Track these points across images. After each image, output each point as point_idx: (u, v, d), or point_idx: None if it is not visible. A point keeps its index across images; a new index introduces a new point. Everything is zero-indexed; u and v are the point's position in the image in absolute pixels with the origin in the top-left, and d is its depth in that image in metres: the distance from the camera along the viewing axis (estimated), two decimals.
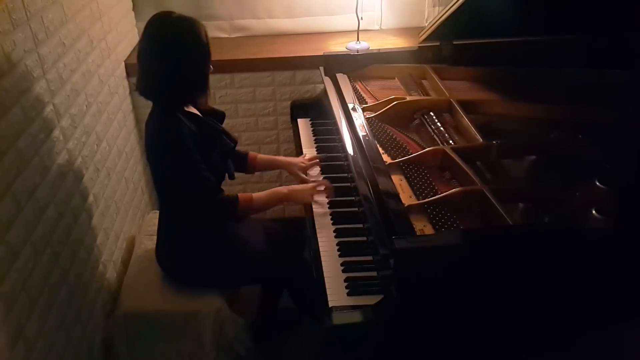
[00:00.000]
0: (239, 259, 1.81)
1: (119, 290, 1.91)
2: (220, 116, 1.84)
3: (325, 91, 2.10)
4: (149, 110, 1.68)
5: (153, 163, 1.68)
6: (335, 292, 1.38)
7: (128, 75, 2.31)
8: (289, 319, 2.22)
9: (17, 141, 1.35)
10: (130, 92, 2.34)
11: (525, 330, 1.35)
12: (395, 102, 1.85)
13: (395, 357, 1.33)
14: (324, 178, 1.89)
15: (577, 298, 1.31)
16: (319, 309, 1.37)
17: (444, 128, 1.75)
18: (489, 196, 1.36)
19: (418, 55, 2.15)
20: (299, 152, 2.10)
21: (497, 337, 1.35)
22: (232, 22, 2.60)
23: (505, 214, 1.29)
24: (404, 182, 1.52)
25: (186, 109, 1.66)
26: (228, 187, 1.79)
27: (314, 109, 2.29)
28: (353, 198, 1.73)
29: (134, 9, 2.47)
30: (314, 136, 2.18)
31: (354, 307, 1.31)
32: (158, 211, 1.88)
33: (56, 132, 1.57)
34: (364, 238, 1.57)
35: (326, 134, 2.15)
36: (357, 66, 2.16)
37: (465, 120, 1.72)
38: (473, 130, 1.67)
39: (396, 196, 1.41)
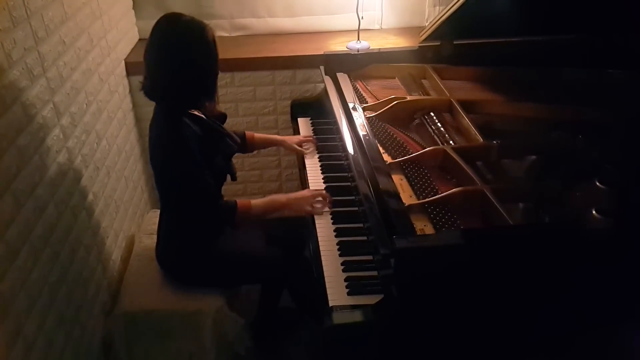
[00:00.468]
0: (239, 259, 1.81)
1: (118, 289, 1.90)
2: (222, 118, 1.84)
3: (325, 90, 2.09)
4: (148, 108, 1.68)
5: (155, 164, 1.67)
6: (336, 292, 1.38)
7: (128, 73, 2.30)
8: (289, 318, 2.22)
9: (17, 139, 1.35)
10: (130, 91, 2.34)
11: (525, 330, 1.35)
12: (395, 102, 1.85)
13: (395, 357, 1.33)
14: (325, 177, 1.90)
15: (577, 298, 1.31)
16: (319, 309, 1.37)
17: (444, 128, 1.75)
18: (490, 196, 1.36)
19: (418, 54, 2.15)
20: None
21: (497, 337, 1.35)
22: (233, 21, 2.60)
23: (505, 214, 1.29)
24: (405, 182, 1.52)
25: (191, 112, 1.66)
26: (228, 185, 1.79)
27: (314, 108, 2.28)
28: (353, 197, 1.73)
29: (134, 8, 2.47)
30: (314, 135, 2.18)
31: (354, 307, 1.31)
32: (158, 210, 1.88)
33: (56, 131, 1.57)
34: (365, 237, 1.57)
35: (326, 133, 2.15)
36: (357, 66, 2.15)
37: (466, 120, 1.72)
38: (473, 130, 1.67)
39: (397, 196, 1.40)
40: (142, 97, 1.63)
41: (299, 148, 2.02)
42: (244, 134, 2.00)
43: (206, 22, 1.58)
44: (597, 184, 1.42)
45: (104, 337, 1.81)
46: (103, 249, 1.87)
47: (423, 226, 1.35)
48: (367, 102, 1.95)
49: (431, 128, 1.77)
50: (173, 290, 1.81)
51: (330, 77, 2.11)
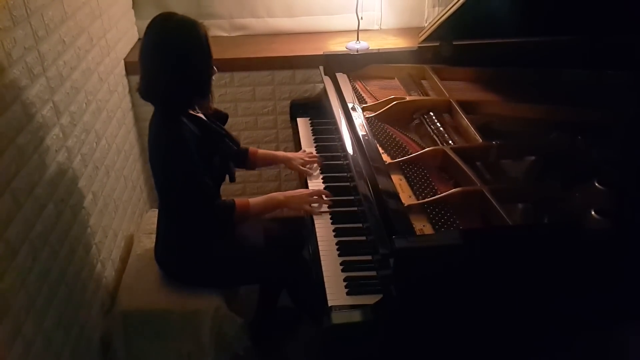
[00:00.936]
0: (237, 259, 1.81)
1: (117, 288, 1.90)
2: (224, 118, 1.84)
3: (324, 90, 2.10)
4: (147, 108, 1.68)
5: (153, 164, 1.67)
6: (335, 292, 1.38)
7: (127, 73, 2.30)
8: (287, 318, 2.22)
9: (17, 138, 1.35)
10: (130, 90, 2.34)
11: (524, 330, 1.35)
12: (395, 102, 1.85)
13: (394, 357, 1.33)
14: (324, 177, 1.90)
15: (576, 298, 1.31)
16: (318, 309, 1.37)
17: (443, 128, 1.75)
18: (489, 196, 1.36)
19: (418, 55, 2.15)
20: (298, 151, 2.10)
21: (496, 337, 1.36)
22: (232, 21, 2.60)
23: (504, 214, 1.29)
24: (404, 182, 1.52)
25: (190, 111, 1.66)
26: (227, 185, 1.79)
27: (314, 108, 2.29)
28: (352, 197, 1.73)
29: (133, 7, 2.47)
30: (313, 135, 2.18)
31: (353, 307, 1.31)
32: (157, 209, 1.88)
33: (56, 130, 1.57)
34: (364, 237, 1.57)
35: (325, 134, 2.15)
36: (356, 66, 2.16)
37: (465, 121, 1.73)
38: (472, 130, 1.67)
39: (396, 196, 1.41)
40: None
41: (303, 168, 1.94)
42: (248, 150, 1.98)
43: (205, 21, 1.59)
44: (596, 184, 1.42)
45: (102, 337, 1.81)
46: (102, 248, 1.87)
47: (422, 226, 1.35)
48: (366, 103, 1.95)
49: (430, 128, 1.77)
50: (172, 290, 1.81)
51: (330, 77, 2.11)
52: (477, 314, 1.30)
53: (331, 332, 1.28)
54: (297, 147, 2.14)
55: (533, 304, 1.30)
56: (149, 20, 1.55)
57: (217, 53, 1.62)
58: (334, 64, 2.15)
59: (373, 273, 1.43)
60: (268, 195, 1.78)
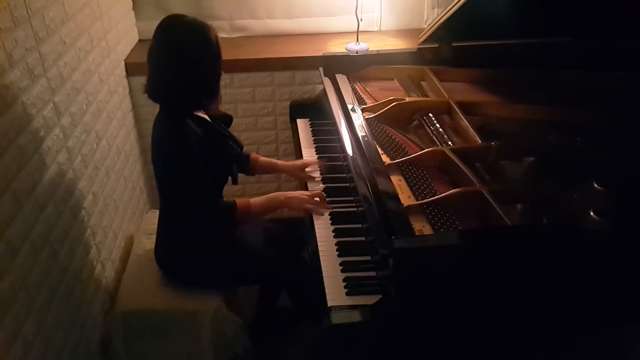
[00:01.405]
0: (237, 260, 1.81)
1: (117, 288, 1.91)
2: (228, 120, 1.84)
3: (324, 92, 2.10)
4: (148, 109, 1.69)
5: (156, 164, 1.68)
6: (334, 292, 1.39)
7: (128, 74, 2.31)
8: (287, 318, 2.22)
9: (18, 138, 1.36)
10: (130, 91, 2.34)
11: (523, 330, 1.36)
12: (394, 103, 1.86)
13: (394, 357, 1.33)
14: (324, 178, 1.90)
15: (575, 299, 1.31)
16: (318, 309, 1.38)
17: (442, 129, 1.76)
18: (488, 197, 1.37)
19: (417, 56, 2.16)
20: (298, 152, 2.11)
21: (496, 337, 1.36)
22: (232, 22, 2.61)
23: (503, 215, 1.29)
24: (403, 183, 1.53)
25: (195, 113, 1.66)
26: (227, 186, 1.80)
27: (313, 109, 2.29)
28: (352, 198, 1.74)
29: (134, 8, 2.47)
30: (313, 136, 2.18)
31: (352, 307, 1.31)
32: (157, 210, 1.88)
33: (56, 130, 1.57)
34: (363, 238, 1.57)
35: (325, 135, 2.16)
36: (356, 67, 2.16)
37: (464, 122, 1.73)
38: (472, 131, 1.68)
39: (395, 196, 1.41)
40: (141, 97, 1.63)
41: (302, 174, 1.94)
42: (249, 156, 1.98)
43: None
44: (595, 185, 1.43)
45: (102, 337, 1.81)
46: (102, 248, 1.87)
47: (421, 227, 1.35)
48: (366, 104, 1.95)
49: (430, 129, 1.78)
50: (171, 290, 1.81)
51: (330, 79, 2.12)
52: (476, 314, 1.30)
53: (331, 332, 1.28)
54: (297, 148, 2.14)
55: (532, 305, 1.30)
56: (149, 22, 1.56)
57: None
58: (333, 65, 2.15)
59: (372, 273, 1.43)
60: (269, 195, 1.78)
